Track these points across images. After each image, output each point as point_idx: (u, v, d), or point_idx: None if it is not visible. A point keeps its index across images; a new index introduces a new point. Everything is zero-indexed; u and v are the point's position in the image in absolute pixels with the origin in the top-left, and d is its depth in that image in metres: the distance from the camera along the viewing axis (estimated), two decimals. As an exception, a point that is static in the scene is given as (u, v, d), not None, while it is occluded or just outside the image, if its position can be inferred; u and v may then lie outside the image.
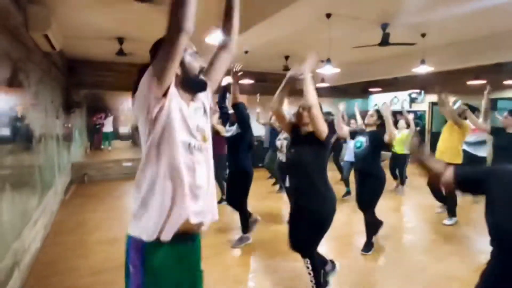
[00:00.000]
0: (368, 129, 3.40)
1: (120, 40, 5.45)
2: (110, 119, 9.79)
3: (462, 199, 4.51)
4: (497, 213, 1.17)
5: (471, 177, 1.31)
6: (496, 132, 3.86)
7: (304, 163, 2.23)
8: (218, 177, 5.25)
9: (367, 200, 3.33)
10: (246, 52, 6.51)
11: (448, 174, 1.32)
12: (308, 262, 2.29)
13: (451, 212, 4.22)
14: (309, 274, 2.31)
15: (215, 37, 3.46)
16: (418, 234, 4.08)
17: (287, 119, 2.51)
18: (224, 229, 4.01)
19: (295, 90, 2.38)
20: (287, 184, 4.22)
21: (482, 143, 4.98)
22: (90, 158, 8.52)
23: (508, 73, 7.35)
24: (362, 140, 3.29)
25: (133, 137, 8.99)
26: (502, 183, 1.17)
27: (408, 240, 3.88)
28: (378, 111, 3.39)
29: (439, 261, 3.19)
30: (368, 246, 3.37)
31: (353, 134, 3.49)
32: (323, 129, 2.14)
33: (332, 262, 2.58)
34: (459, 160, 4.10)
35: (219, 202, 5.22)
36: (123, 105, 10.25)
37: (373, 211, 3.37)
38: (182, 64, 1.28)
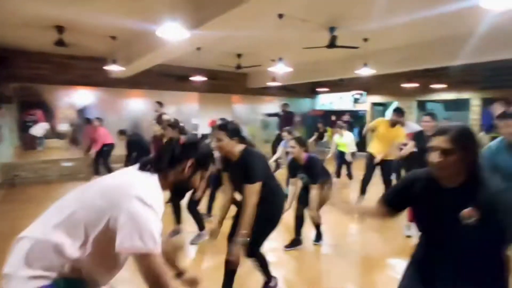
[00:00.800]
0: (301, 162, 3.31)
1: (59, 29, 5.00)
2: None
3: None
4: (418, 212, 1.38)
5: (394, 192, 1.49)
6: (421, 136, 3.96)
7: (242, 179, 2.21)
8: None
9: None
10: (199, 48, 6.41)
11: (376, 207, 1.48)
12: (255, 260, 2.33)
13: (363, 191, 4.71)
14: (259, 270, 2.37)
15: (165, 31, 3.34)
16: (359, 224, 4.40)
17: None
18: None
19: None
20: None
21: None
22: (23, 158, 7.69)
23: (435, 77, 8.24)
24: (303, 175, 3.33)
25: (72, 135, 8.32)
26: (418, 186, 1.34)
27: (351, 230, 4.15)
28: (298, 140, 3.34)
29: (374, 246, 3.48)
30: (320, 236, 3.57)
31: (293, 171, 3.43)
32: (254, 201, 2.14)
33: (275, 278, 2.57)
34: (393, 156, 4.57)
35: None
36: (62, 101, 9.41)
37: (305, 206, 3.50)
38: None
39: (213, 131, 2.26)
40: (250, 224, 2.09)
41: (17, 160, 7.31)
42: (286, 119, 8.16)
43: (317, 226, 3.56)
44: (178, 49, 4.99)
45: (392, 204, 1.46)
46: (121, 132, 6.07)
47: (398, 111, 4.59)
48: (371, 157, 4.69)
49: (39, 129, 8.48)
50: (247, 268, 2.50)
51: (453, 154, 1.18)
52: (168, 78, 8.49)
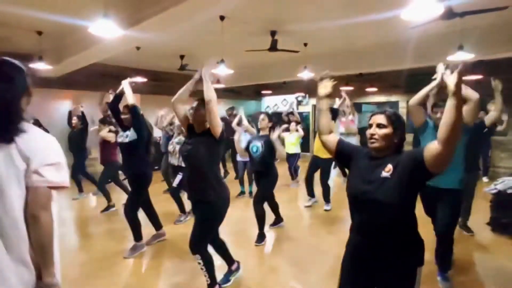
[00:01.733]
0: (262, 133, 3.65)
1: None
2: None
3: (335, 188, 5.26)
4: (350, 181, 1.55)
5: (346, 148, 1.67)
6: (363, 131, 4.58)
7: (199, 157, 2.26)
8: (117, 182, 5.14)
9: (260, 195, 3.61)
10: (138, 48, 6.14)
11: (333, 140, 1.68)
12: (199, 258, 2.29)
13: (327, 199, 4.90)
14: (202, 269, 2.32)
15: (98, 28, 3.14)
16: (304, 220, 4.58)
17: (184, 115, 2.49)
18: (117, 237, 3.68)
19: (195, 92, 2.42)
20: (175, 184, 4.29)
21: (350, 135, 6.03)
22: None
23: (368, 82, 8.93)
24: (258, 145, 3.53)
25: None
26: (357, 158, 1.57)
27: (295, 226, 4.30)
28: (268, 115, 3.69)
29: (321, 239, 3.66)
30: (262, 237, 3.62)
31: (248, 144, 3.67)
32: (218, 124, 2.20)
33: (238, 263, 2.70)
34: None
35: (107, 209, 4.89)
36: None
37: (262, 205, 3.64)
38: None
39: None
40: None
41: None
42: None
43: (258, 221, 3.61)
44: (114, 48, 4.73)
45: (341, 147, 1.67)
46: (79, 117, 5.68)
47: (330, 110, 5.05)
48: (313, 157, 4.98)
49: None
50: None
51: (386, 127, 1.45)
52: (106, 78, 7.97)
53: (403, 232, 1.41)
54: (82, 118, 5.71)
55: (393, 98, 9.52)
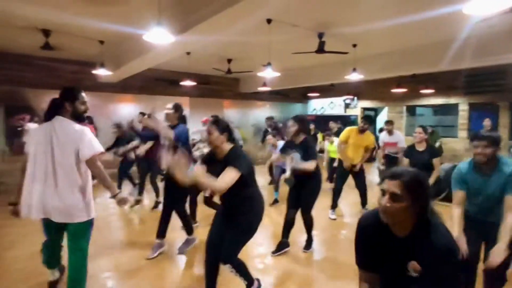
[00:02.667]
0: (297, 141, 3.37)
1: (46, 32, 4.94)
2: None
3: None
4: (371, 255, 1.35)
5: (361, 253, 1.41)
6: (410, 151, 4.00)
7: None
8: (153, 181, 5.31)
9: (307, 201, 3.43)
10: (188, 53, 6.40)
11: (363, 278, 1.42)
12: (230, 267, 2.25)
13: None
14: (236, 275, 2.29)
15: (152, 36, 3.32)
16: (350, 227, 4.38)
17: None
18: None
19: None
20: (207, 194, 4.19)
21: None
22: (9, 164, 7.53)
23: (423, 83, 8.34)
24: (297, 155, 3.33)
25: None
26: (370, 232, 1.34)
27: (342, 234, 4.14)
28: (296, 119, 3.40)
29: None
30: (310, 243, 3.52)
31: (285, 151, 3.48)
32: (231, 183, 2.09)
33: (258, 280, 2.53)
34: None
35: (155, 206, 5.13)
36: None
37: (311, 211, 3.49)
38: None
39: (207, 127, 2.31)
40: (201, 183, 2.08)
41: (3, 166, 7.16)
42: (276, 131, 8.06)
43: (309, 230, 3.50)
44: (167, 54, 4.97)
45: (369, 266, 1.38)
46: (118, 126, 6.00)
47: (366, 119, 4.78)
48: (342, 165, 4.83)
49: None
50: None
51: (403, 200, 1.17)
52: (158, 82, 8.45)
53: None
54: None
55: (452, 100, 8.79)
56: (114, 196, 2.31)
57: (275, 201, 5.50)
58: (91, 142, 2.19)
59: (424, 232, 1.19)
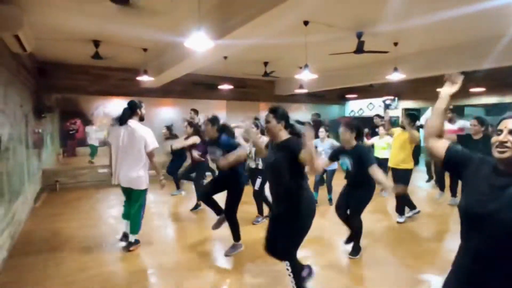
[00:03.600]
0: (349, 147, 3.28)
1: (96, 43, 5.32)
2: (93, 130, 9.24)
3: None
4: (466, 196, 1.30)
5: (459, 156, 1.39)
6: (465, 138, 3.98)
7: (281, 169, 2.25)
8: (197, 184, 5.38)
9: (357, 206, 3.35)
10: (225, 57, 6.53)
11: (442, 145, 1.42)
12: (288, 264, 2.30)
13: (402, 211, 4.49)
14: (289, 276, 2.32)
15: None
16: (395, 232, 4.20)
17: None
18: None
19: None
20: (256, 187, 4.32)
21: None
22: (63, 165, 8.19)
23: (473, 81, 7.78)
24: (347, 161, 3.29)
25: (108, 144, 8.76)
26: (475, 169, 1.31)
27: (389, 239, 3.98)
28: (348, 125, 3.30)
29: (415, 259, 3.30)
30: (356, 250, 3.39)
31: (334, 157, 3.46)
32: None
33: (309, 267, 2.58)
34: (411, 165, 4.39)
35: (195, 207, 5.24)
36: (98, 110, 9.92)
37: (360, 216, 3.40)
38: None
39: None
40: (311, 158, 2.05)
41: (58, 167, 7.79)
42: (314, 127, 8.03)
43: (356, 234, 3.39)
44: (205, 59, 5.12)
45: (451, 156, 1.40)
46: (168, 128, 6.47)
47: (408, 116, 4.43)
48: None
49: (93, 136, 8.95)
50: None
51: None
52: (197, 86, 8.73)
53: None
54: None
55: (507, 99, 8.11)
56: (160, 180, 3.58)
57: (329, 200, 5.52)
58: (152, 139, 3.48)
59: None
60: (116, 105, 8.18)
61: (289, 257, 2.31)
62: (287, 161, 2.21)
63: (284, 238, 2.30)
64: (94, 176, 7.37)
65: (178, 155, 6.06)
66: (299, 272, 2.36)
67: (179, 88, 8.26)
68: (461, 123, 5.75)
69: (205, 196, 3.59)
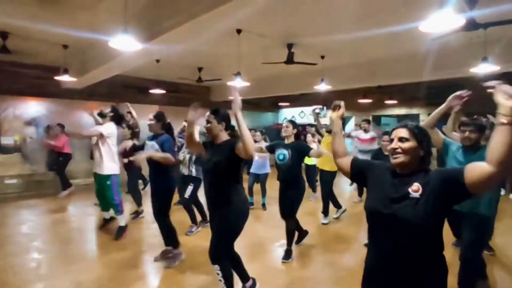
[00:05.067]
0: (288, 141, 3.50)
1: (3, 35, 4.67)
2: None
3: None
4: (371, 199, 1.46)
5: (362, 165, 1.59)
6: (377, 152, 4.32)
7: (217, 169, 2.26)
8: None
9: (290, 208, 3.47)
10: (158, 61, 6.30)
11: (346, 160, 1.62)
12: (218, 268, 2.27)
13: (327, 213, 4.83)
14: (220, 281, 2.29)
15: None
16: (321, 236, 4.46)
17: (197, 141, 2.55)
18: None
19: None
20: (187, 195, 4.21)
21: (370, 152, 5.82)
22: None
23: (387, 94, 8.77)
24: (285, 152, 3.43)
25: (20, 149, 7.69)
26: (376, 174, 1.49)
27: (316, 240, 4.19)
28: (292, 122, 3.56)
29: (346, 256, 3.54)
30: (288, 254, 3.46)
31: (271, 148, 3.61)
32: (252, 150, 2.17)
33: (254, 280, 2.61)
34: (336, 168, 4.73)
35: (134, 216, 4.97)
36: (7, 111, 8.71)
37: (295, 218, 3.54)
38: None
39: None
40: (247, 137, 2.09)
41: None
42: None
43: (289, 237, 3.48)
44: (134, 61, 4.87)
45: (355, 167, 1.58)
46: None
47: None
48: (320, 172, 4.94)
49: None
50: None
51: (409, 141, 1.37)
52: (127, 89, 8.23)
53: (427, 256, 1.31)
54: None
55: (414, 111, 9.30)
56: None
57: (251, 204, 5.60)
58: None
59: (425, 170, 1.38)
60: (30, 106, 7.25)
61: (218, 261, 2.27)
62: (226, 161, 2.24)
63: (215, 239, 2.30)
64: (1, 187, 6.42)
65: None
66: (231, 275, 2.35)
67: (106, 90, 7.68)
68: (372, 133, 6.33)
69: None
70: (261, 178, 5.64)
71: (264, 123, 11.88)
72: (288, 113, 12.42)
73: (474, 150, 2.42)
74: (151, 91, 7.47)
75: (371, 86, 7.94)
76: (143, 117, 8.36)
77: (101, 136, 3.80)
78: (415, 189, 1.31)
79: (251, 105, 10.96)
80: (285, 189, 3.51)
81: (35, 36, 4.81)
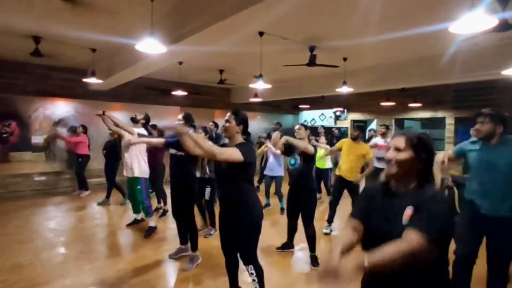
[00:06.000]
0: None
1: (36, 39, 4.90)
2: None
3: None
4: (371, 218, 1.34)
5: (360, 205, 1.44)
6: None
7: (231, 173, 2.26)
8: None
9: (308, 219, 3.39)
10: (181, 63, 6.42)
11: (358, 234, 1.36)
12: (252, 268, 2.28)
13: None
14: (253, 280, 2.29)
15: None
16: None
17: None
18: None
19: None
20: (207, 197, 4.20)
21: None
22: None
23: (411, 97, 8.52)
24: (297, 157, 3.42)
25: (47, 149, 8.02)
26: (371, 199, 1.38)
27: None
28: (304, 125, 3.53)
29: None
30: (315, 260, 3.38)
31: (288, 151, 3.53)
32: (235, 158, 2.15)
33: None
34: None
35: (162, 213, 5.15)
36: (38, 112, 9.12)
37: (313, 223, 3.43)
38: None
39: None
40: (201, 144, 2.04)
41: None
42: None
43: (311, 243, 3.42)
44: (158, 63, 4.98)
45: (361, 215, 1.40)
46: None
47: (357, 127, 4.68)
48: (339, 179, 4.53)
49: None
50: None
51: (406, 152, 1.25)
52: (149, 91, 8.42)
53: (428, 277, 1.21)
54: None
55: (439, 114, 8.98)
56: None
57: (267, 205, 5.72)
58: None
59: (423, 188, 1.25)
60: (59, 107, 7.55)
61: (253, 260, 2.30)
62: (228, 164, 2.22)
63: (242, 241, 2.31)
64: (30, 185, 6.72)
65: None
66: (262, 275, 2.34)
67: (130, 92, 7.91)
68: (389, 139, 6.08)
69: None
70: (276, 181, 5.58)
71: (284, 125, 11.85)
72: (308, 116, 12.33)
73: (495, 144, 2.25)
74: (173, 92, 7.61)
75: (394, 89, 7.74)
76: (165, 118, 8.56)
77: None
78: (406, 216, 1.20)
79: (270, 107, 10.97)
80: (295, 195, 3.45)
81: (65, 41, 5.01)
